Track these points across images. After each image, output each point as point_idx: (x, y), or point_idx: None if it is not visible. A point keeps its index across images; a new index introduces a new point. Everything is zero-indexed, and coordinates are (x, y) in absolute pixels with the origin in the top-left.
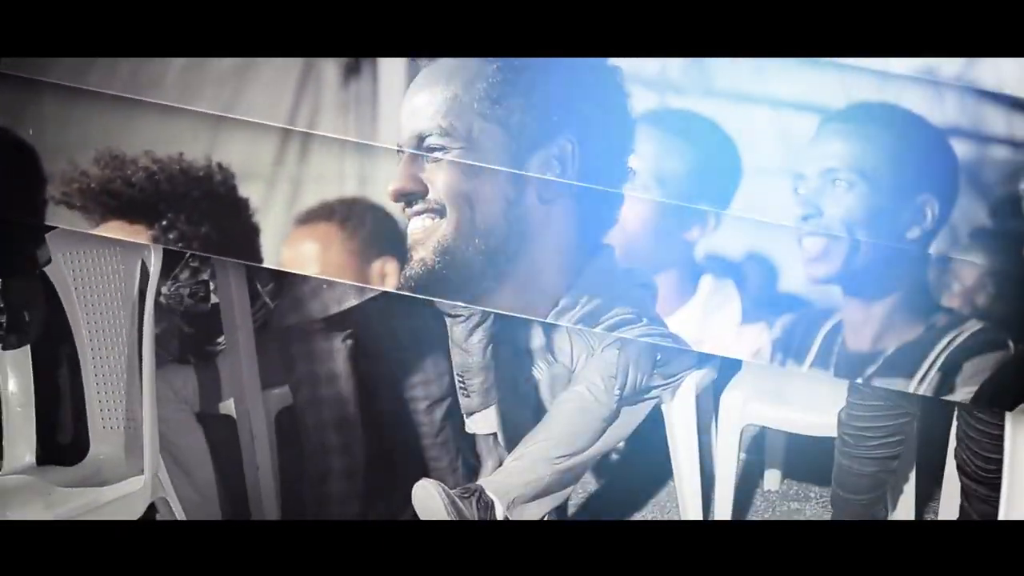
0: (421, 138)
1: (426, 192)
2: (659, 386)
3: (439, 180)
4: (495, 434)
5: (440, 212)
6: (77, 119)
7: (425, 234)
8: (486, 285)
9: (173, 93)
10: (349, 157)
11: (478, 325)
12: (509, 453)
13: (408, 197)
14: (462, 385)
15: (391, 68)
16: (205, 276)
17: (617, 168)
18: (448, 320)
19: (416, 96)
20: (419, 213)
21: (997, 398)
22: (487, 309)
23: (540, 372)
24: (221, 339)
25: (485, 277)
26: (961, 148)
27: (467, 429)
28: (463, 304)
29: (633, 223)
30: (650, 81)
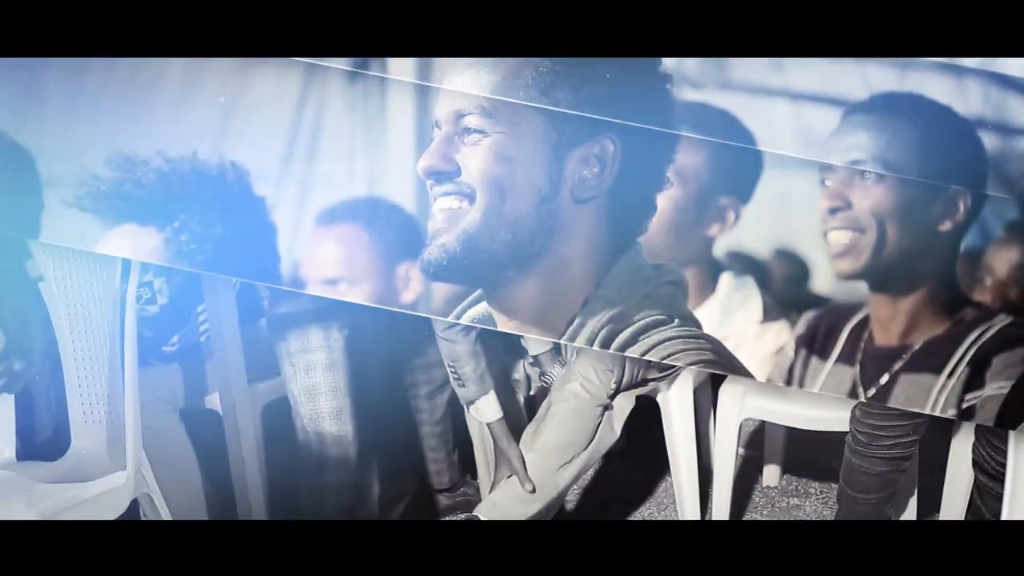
0: (460, 116)
1: (457, 173)
2: (656, 378)
3: (473, 163)
4: (502, 419)
5: (469, 196)
6: (80, 120)
7: (449, 220)
8: (508, 276)
9: (174, 92)
10: (359, 156)
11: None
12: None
13: (438, 176)
14: (455, 375)
15: (400, 64)
16: (148, 276)
17: (656, 174)
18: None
19: (461, 74)
20: (447, 193)
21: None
22: (508, 331)
23: (529, 366)
24: (175, 339)
25: (507, 269)
26: (987, 140)
27: (473, 418)
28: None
29: (652, 218)
30: None
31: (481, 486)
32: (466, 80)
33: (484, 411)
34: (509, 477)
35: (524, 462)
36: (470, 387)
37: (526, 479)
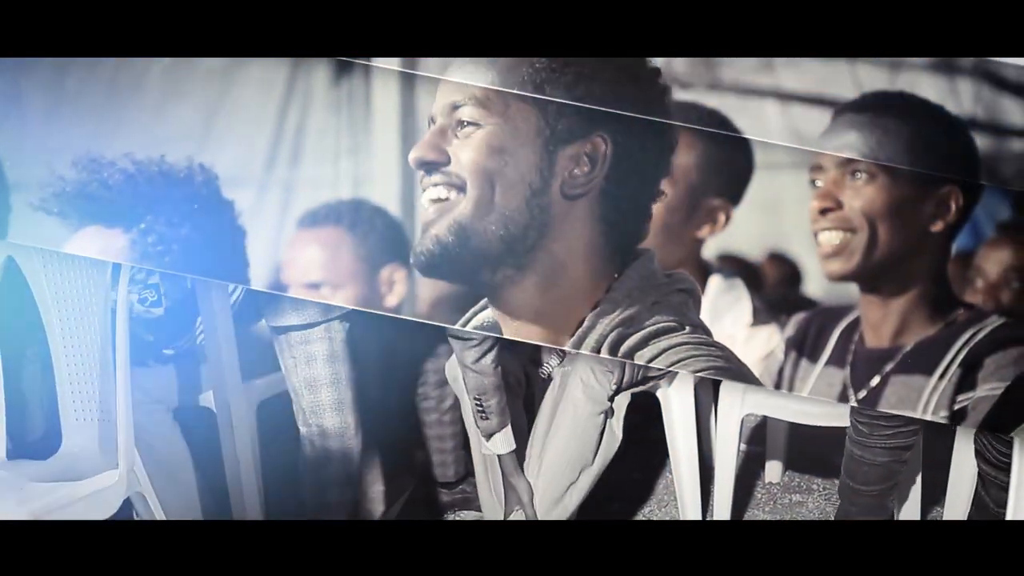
0: (455, 107)
1: (447, 163)
2: (656, 376)
3: (464, 154)
4: (514, 451)
5: (460, 187)
6: (54, 122)
7: (440, 211)
8: (505, 273)
9: (156, 94)
10: (343, 159)
11: (492, 347)
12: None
13: (428, 166)
14: (480, 408)
15: (384, 64)
16: (155, 279)
17: (649, 182)
18: (457, 344)
19: (457, 72)
20: (436, 184)
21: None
22: (516, 339)
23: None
24: (179, 343)
25: (503, 264)
26: (979, 140)
27: (486, 451)
28: (478, 333)
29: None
30: None
31: (479, 486)
32: (463, 75)
33: (499, 444)
34: (518, 509)
35: (532, 495)
36: (493, 420)
37: (534, 517)
